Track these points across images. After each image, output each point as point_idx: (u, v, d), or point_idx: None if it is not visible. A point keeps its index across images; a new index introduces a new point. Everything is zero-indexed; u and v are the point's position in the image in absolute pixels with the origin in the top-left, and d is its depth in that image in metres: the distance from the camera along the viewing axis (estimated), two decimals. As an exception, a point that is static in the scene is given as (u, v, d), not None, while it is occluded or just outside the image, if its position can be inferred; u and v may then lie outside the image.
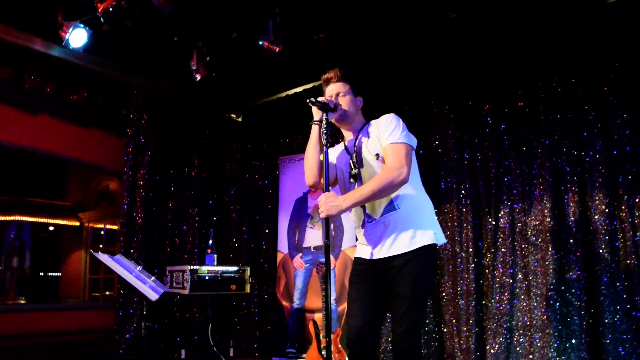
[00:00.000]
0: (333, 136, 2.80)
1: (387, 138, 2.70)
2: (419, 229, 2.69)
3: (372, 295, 2.76)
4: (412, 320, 2.62)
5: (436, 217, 2.89)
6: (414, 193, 2.76)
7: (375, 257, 2.76)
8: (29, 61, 5.33)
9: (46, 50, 5.10)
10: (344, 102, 2.86)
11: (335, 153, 3.02)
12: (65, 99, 5.91)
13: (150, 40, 5.26)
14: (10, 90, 5.58)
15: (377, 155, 2.75)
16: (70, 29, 4.73)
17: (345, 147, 2.95)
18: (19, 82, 5.48)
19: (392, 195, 2.71)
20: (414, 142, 2.77)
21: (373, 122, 2.88)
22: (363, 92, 2.99)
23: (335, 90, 2.88)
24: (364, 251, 2.84)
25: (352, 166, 2.83)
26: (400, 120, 2.79)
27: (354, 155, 2.84)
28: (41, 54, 5.12)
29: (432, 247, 2.71)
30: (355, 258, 2.91)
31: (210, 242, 5.56)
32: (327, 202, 2.61)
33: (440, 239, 2.78)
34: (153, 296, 3.80)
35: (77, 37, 4.81)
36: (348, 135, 2.97)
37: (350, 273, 2.90)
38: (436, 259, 2.86)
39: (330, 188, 2.77)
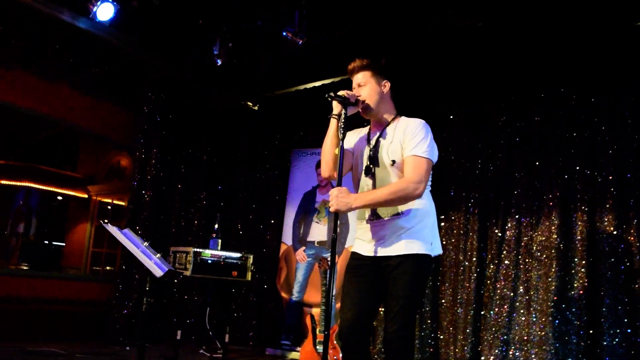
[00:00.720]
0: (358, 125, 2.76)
1: (411, 149, 2.69)
2: (417, 238, 2.72)
3: (365, 290, 2.77)
4: (405, 320, 2.65)
5: (437, 229, 2.90)
6: (421, 202, 2.77)
7: (371, 254, 2.79)
8: (54, 30, 5.35)
9: (73, 21, 5.13)
10: (365, 93, 2.83)
11: (355, 138, 2.98)
12: (85, 71, 5.96)
13: (175, 22, 5.27)
14: (32, 57, 5.63)
15: (394, 161, 2.74)
16: (99, 2, 4.76)
17: (368, 138, 2.92)
18: (43, 50, 5.51)
19: None
20: (435, 156, 2.76)
21: (402, 120, 2.85)
22: (388, 74, 2.92)
23: (357, 82, 2.87)
24: (362, 247, 2.86)
25: (369, 161, 2.82)
26: (429, 130, 2.77)
27: (372, 151, 2.83)
28: (67, 24, 5.15)
29: (426, 256, 2.74)
30: (352, 252, 2.93)
31: (216, 226, 5.59)
32: (338, 198, 2.63)
33: (436, 250, 2.81)
34: (158, 272, 3.83)
35: (105, 10, 4.84)
36: (374, 126, 2.94)
37: (345, 267, 2.92)
38: (429, 268, 2.86)
39: (343, 176, 2.77)
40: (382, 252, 2.74)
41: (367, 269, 2.80)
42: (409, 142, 2.71)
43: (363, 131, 2.99)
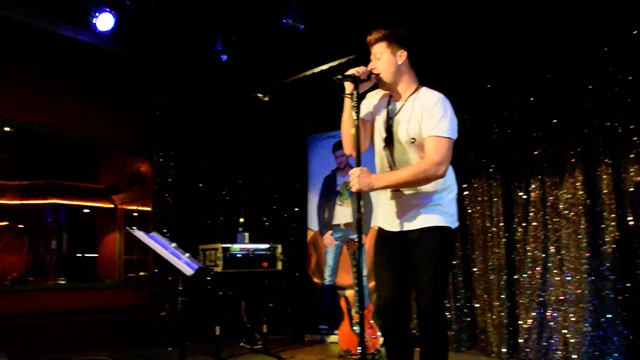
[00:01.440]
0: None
1: (431, 128, 2.63)
2: (437, 211, 2.71)
3: (397, 265, 2.77)
4: (435, 291, 2.65)
5: (456, 202, 2.87)
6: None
7: (393, 229, 2.79)
8: (58, 47, 5.40)
9: (74, 35, 5.17)
10: (380, 65, 2.76)
11: (375, 101, 2.91)
12: (92, 82, 6.02)
13: (175, 23, 5.27)
14: (40, 75, 5.69)
15: (414, 140, 2.69)
16: (97, 14, 4.79)
17: (387, 109, 2.83)
18: (48, 66, 5.57)
19: None
20: (456, 132, 2.69)
21: (422, 94, 2.76)
22: (406, 43, 2.81)
23: (374, 52, 2.81)
24: (385, 222, 2.87)
25: (386, 133, 2.78)
26: (448, 105, 2.70)
27: (390, 123, 2.77)
28: (70, 39, 5.19)
29: (446, 228, 2.73)
30: (379, 229, 2.94)
31: (241, 220, 5.62)
32: (360, 178, 2.60)
33: (455, 223, 2.79)
34: (188, 271, 3.87)
35: (104, 21, 4.86)
36: (395, 96, 2.84)
37: (374, 241, 2.91)
38: (451, 240, 2.86)
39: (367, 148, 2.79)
40: (404, 226, 2.74)
41: (393, 244, 2.80)
42: (428, 121, 2.64)
43: (384, 96, 2.90)
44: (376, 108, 2.89)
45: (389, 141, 2.77)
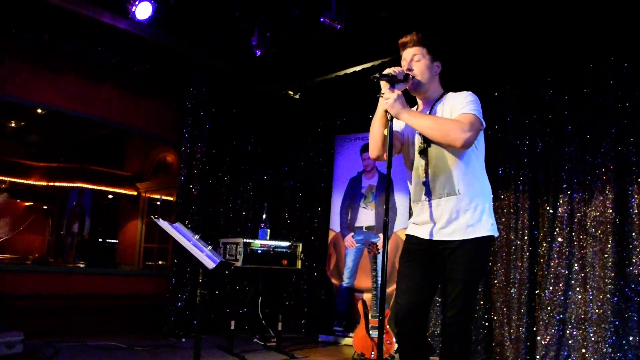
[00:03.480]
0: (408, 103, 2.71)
1: (460, 109, 2.62)
2: (477, 218, 2.62)
3: (422, 275, 2.70)
4: (464, 304, 2.58)
5: (492, 210, 2.79)
6: (477, 180, 2.69)
7: (427, 237, 2.70)
8: (96, 33, 5.46)
9: (113, 22, 5.22)
10: (418, 68, 2.74)
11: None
12: (129, 71, 6.07)
13: (213, 16, 5.31)
14: (77, 61, 5.77)
15: None
16: (137, 2, 4.84)
17: None
18: (87, 53, 5.64)
19: (455, 178, 2.64)
20: (483, 121, 2.65)
21: (450, 94, 2.78)
22: (441, 56, 2.83)
23: (410, 55, 2.77)
24: (418, 230, 2.78)
25: (422, 140, 2.74)
26: (478, 100, 2.68)
27: None
28: (109, 26, 5.24)
29: (488, 238, 2.65)
30: (408, 236, 2.84)
31: (264, 216, 5.63)
32: (396, 100, 2.59)
33: (496, 231, 2.70)
34: (210, 264, 3.87)
35: (143, 10, 4.92)
36: (422, 104, 2.85)
37: (401, 251, 2.86)
38: (489, 251, 2.80)
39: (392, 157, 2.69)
40: (440, 235, 2.66)
41: (424, 253, 2.73)
42: (458, 106, 2.64)
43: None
44: (407, 125, 2.84)
45: (425, 148, 2.72)
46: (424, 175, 2.74)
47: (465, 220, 2.62)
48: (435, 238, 2.68)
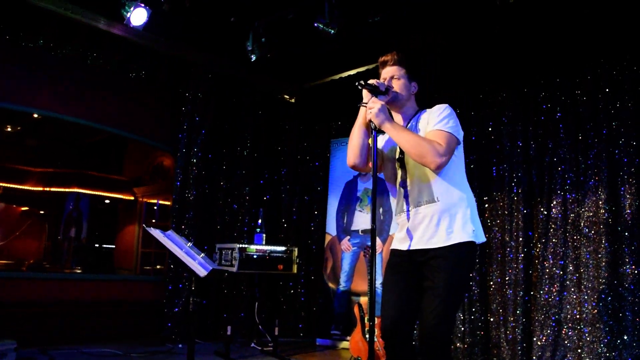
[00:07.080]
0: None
1: (434, 124, 2.63)
2: (457, 225, 2.61)
3: (406, 286, 2.68)
4: (443, 315, 2.50)
5: (478, 214, 2.77)
6: (456, 187, 2.68)
7: (410, 247, 2.69)
8: (92, 39, 5.48)
9: (108, 28, 5.24)
10: (397, 86, 2.78)
11: (384, 138, 2.95)
12: (125, 76, 6.08)
13: (208, 20, 5.33)
14: (74, 67, 5.78)
15: None
16: (132, 8, 4.86)
17: None
18: (83, 60, 5.65)
19: (433, 186, 2.65)
20: (460, 135, 2.67)
21: (427, 111, 2.79)
22: (419, 77, 2.88)
23: (390, 73, 2.81)
24: (400, 242, 2.78)
25: (400, 151, 2.78)
26: (454, 112, 2.69)
27: None
28: (104, 32, 5.26)
29: (470, 244, 2.61)
30: (392, 250, 2.84)
31: (260, 221, 5.65)
32: (379, 110, 2.60)
33: (480, 237, 2.67)
34: (202, 272, 3.88)
35: (138, 16, 4.94)
36: (398, 119, 2.86)
37: (386, 264, 2.86)
38: (473, 256, 2.75)
39: (377, 173, 2.69)
40: (420, 244, 2.65)
41: (406, 265, 2.71)
42: (433, 121, 2.65)
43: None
44: (387, 141, 2.92)
45: (403, 157, 2.76)
46: (403, 184, 2.77)
47: (444, 227, 2.61)
48: (416, 247, 2.67)
